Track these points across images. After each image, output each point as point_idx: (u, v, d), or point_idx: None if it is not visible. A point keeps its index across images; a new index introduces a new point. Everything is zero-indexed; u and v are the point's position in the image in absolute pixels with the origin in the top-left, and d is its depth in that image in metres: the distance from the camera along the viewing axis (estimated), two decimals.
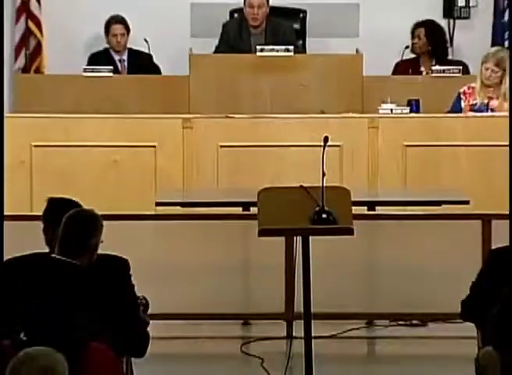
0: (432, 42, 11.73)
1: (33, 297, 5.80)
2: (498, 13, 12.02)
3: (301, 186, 7.24)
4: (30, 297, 5.82)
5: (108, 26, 11.50)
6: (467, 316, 6.73)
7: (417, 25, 11.86)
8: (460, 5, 11.83)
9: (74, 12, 11.93)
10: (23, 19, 12.13)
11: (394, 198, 9.27)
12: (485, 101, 10.31)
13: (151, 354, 6.54)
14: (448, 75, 11.05)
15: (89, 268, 6.04)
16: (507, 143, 9.80)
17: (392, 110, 10.45)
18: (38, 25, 12.12)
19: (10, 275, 6.20)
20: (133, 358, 6.52)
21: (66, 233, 6.09)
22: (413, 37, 11.69)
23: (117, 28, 11.49)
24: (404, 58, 11.76)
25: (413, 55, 11.79)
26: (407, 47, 11.78)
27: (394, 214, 9.03)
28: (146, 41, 11.35)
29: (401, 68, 11.66)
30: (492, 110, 10.32)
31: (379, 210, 9.08)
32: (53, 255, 6.07)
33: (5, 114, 10.49)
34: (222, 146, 10.14)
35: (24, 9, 12.10)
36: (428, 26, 11.81)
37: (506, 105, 10.28)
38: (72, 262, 5.96)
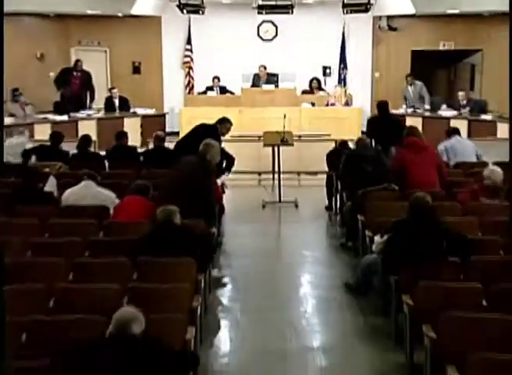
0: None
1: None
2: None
3: (277, 131, 7.38)
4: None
5: (213, 79, 10.79)
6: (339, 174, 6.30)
7: (313, 78, 10.80)
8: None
9: (204, 73, 11.08)
10: (188, 76, 11.47)
11: (304, 133, 8.94)
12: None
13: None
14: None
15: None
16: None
17: (306, 106, 10.08)
18: (192, 78, 11.43)
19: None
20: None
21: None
22: (312, 82, 10.68)
23: (216, 80, 10.79)
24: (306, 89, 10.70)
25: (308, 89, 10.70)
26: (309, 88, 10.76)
27: (305, 139, 8.72)
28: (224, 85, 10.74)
29: (308, 91, 10.65)
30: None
31: (302, 139, 8.69)
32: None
33: (182, 108, 10.19)
34: (252, 118, 9.74)
35: (188, 73, 11.39)
36: (317, 79, 10.83)
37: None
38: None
